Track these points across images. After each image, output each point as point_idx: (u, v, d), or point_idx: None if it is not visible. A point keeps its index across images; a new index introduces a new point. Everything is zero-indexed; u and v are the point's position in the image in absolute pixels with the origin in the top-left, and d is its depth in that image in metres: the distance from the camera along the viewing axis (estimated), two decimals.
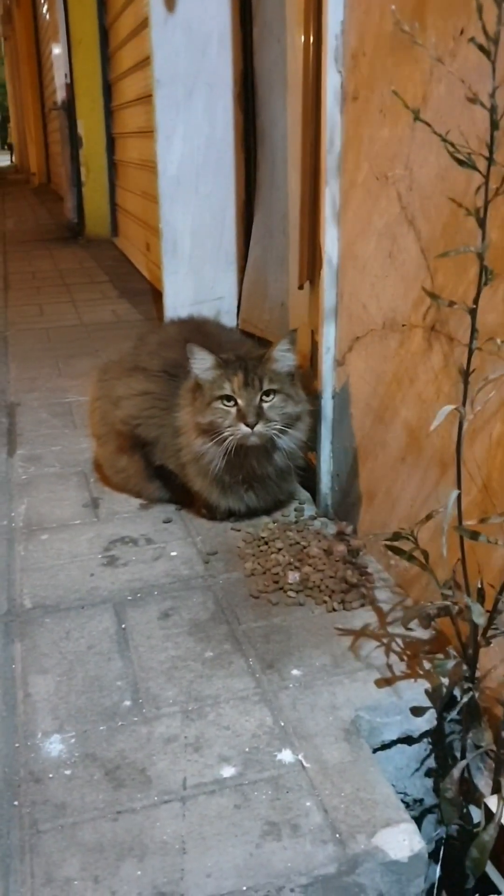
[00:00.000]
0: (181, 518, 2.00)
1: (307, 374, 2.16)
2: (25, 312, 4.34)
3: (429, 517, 1.22)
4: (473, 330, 1.02)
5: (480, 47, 0.89)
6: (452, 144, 0.94)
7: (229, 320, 3.36)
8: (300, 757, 1.24)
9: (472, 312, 1.01)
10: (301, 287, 2.54)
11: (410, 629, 1.49)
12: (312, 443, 1.94)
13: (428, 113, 1.36)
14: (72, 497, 2.12)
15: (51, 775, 1.22)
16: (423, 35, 1.34)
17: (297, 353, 1.84)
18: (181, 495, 2.01)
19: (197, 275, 3.36)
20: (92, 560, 1.81)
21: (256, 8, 2.91)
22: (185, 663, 1.45)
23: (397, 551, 1.26)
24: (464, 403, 1.08)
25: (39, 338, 3.81)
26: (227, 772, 1.21)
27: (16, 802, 1.17)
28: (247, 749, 1.25)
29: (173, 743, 1.27)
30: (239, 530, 1.92)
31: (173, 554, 1.83)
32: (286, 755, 1.24)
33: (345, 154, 1.70)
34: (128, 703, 1.36)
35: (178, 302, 3.37)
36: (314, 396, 1.93)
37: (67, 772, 1.22)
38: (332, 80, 1.69)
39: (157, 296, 4.45)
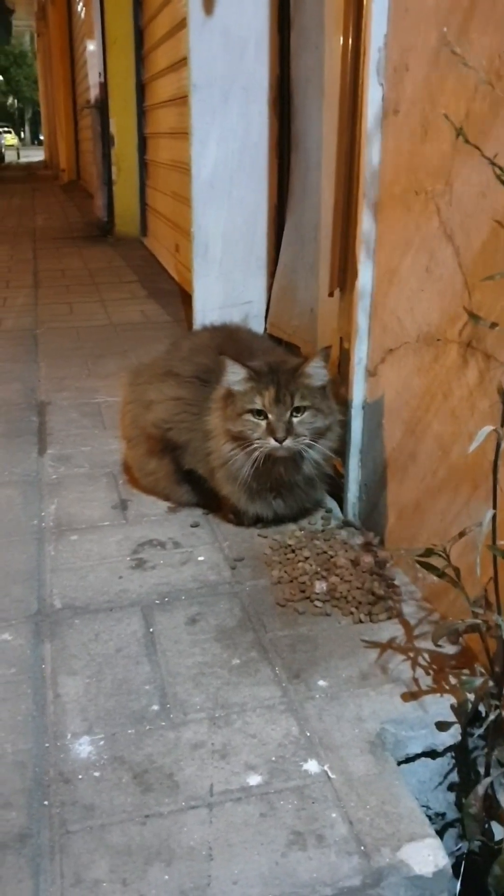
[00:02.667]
0: (208, 522, 2.02)
1: (335, 381, 2.17)
2: (55, 311, 4.38)
3: (462, 534, 1.23)
4: None
5: None
6: (501, 168, 0.94)
7: (257, 324, 3.38)
8: (326, 768, 1.25)
9: None
10: (331, 294, 2.54)
11: (440, 645, 1.49)
12: (341, 452, 1.95)
13: (470, 130, 1.37)
14: (101, 498, 2.14)
15: (80, 776, 1.24)
16: (468, 52, 1.35)
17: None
18: (209, 500, 2.03)
19: (227, 278, 3.38)
20: (120, 562, 1.82)
21: (294, 13, 2.92)
22: (212, 670, 1.47)
23: (429, 567, 1.27)
24: (502, 424, 1.08)
25: (69, 336, 3.84)
26: (254, 780, 1.23)
27: (46, 802, 1.19)
28: (273, 758, 1.27)
29: (200, 749, 1.29)
30: (265, 537, 1.93)
31: (200, 559, 1.84)
32: (312, 765, 1.25)
33: (383, 167, 1.71)
34: (155, 707, 1.38)
35: (208, 305, 3.39)
36: (341, 403, 1.94)
37: (96, 773, 1.24)
38: (373, 93, 1.70)
39: (185, 297, 4.47)
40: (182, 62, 4.46)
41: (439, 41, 1.45)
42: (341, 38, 2.34)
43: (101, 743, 1.30)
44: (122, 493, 2.16)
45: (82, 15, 9.41)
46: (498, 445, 1.10)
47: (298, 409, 1.77)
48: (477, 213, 1.38)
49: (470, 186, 1.39)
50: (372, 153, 1.73)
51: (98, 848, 1.11)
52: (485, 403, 1.40)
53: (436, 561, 1.26)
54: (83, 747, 1.29)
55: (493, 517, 1.14)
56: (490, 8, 1.31)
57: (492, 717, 1.23)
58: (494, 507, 1.15)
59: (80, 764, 1.26)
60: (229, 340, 2.09)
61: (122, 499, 2.13)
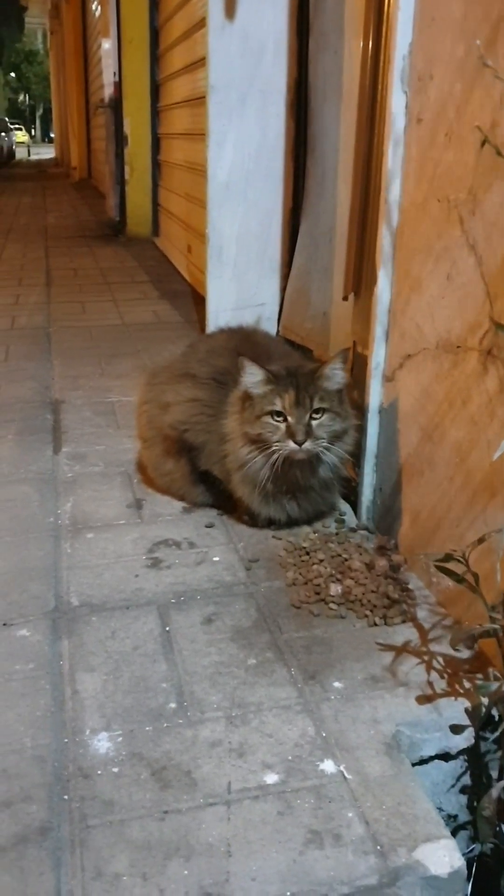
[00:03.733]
0: (223, 523, 2.03)
1: (349, 385, 2.18)
2: (68, 309, 4.40)
3: (481, 541, 1.25)
4: None
5: None
6: None
7: (270, 327, 3.39)
8: (342, 768, 1.26)
9: None
10: (345, 298, 2.56)
11: (457, 650, 1.50)
12: (356, 456, 1.97)
13: (497, 140, 1.38)
14: (116, 497, 2.16)
15: (99, 772, 1.25)
16: (497, 65, 1.37)
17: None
18: (224, 501, 2.04)
19: (240, 280, 3.40)
20: (136, 561, 1.84)
21: (314, 18, 2.94)
22: (229, 669, 1.48)
23: (447, 572, 1.28)
24: None
25: (82, 335, 3.86)
26: (271, 778, 1.24)
27: (66, 797, 1.20)
28: (289, 757, 1.28)
29: (218, 747, 1.30)
30: (280, 539, 1.95)
31: (216, 559, 1.86)
32: (328, 765, 1.27)
33: (405, 174, 1.72)
34: (173, 705, 1.39)
35: (221, 306, 3.40)
36: (354, 407, 1.96)
37: (115, 769, 1.26)
38: (396, 101, 1.72)
39: (197, 298, 4.49)
40: (198, 63, 4.48)
41: (466, 52, 1.46)
42: (361, 43, 2.35)
43: (120, 739, 1.32)
44: (137, 493, 2.18)
45: (97, 13, 9.45)
46: None
47: (317, 412, 1.78)
48: (501, 223, 1.39)
49: (493, 196, 1.41)
50: (394, 160, 1.74)
51: (118, 842, 1.13)
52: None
53: (454, 566, 1.27)
54: (102, 743, 1.31)
55: None
56: None
57: None
58: None
59: (98, 759, 1.28)
60: (246, 343, 2.10)
61: (136, 498, 2.15)
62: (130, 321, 4.18)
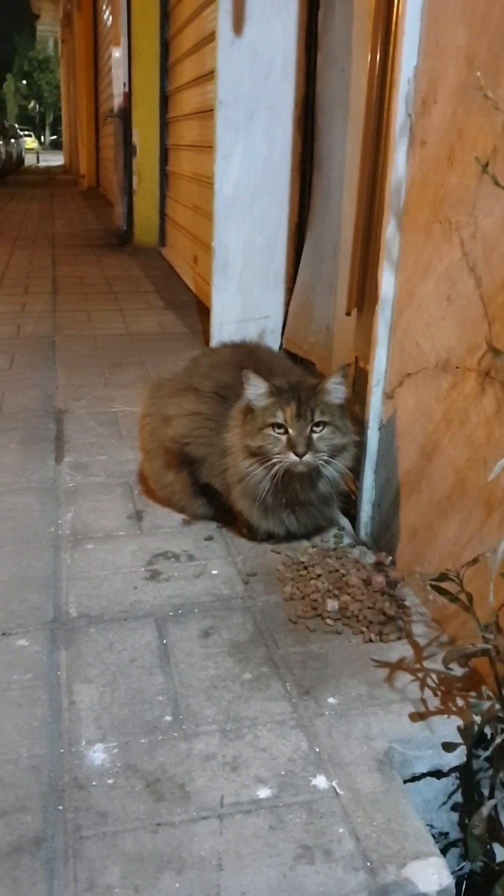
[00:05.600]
0: (222, 536, 2.05)
1: (350, 400, 2.20)
2: (73, 318, 4.42)
3: (475, 561, 1.26)
4: None
5: None
6: None
7: (274, 340, 3.42)
8: (334, 784, 1.27)
9: None
10: (349, 314, 2.58)
11: (449, 668, 1.51)
12: (356, 471, 1.98)
13: (497, 165, 1.40)
14: (116, 508, 2.17)
15: (94, 783, 1.26)
16: (498, 89, 1.39)
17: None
18: (224, 514, 2.06)
19: (245, 293, 3.42)
20: (135, 573, 1.86)
21: (322, 35, 2.96)
22: (225, 683, 1.50)
23: (442, 591, 1.29)
24: None
25: (87, 344, 3.88)
26: (263, 793, 1.25)
27: (60, 807, 1.22)
28: (282, 772, 1.29)
29: (212, 761, 1.31)
30: (279, 552, 1.96)
31: (214, 572, 1.87)
32: (320, 781, 1.28)
33: (409, 196, 1.74)
34: (168, 718, 1.41)
35: (225, 318, 3.43)
36: (356, 422, 1.97)
37: (110, 781, 1.27)
38: (400, 123, 1.74)
39: (202, 309, 4.51)
40: (207, 76, 4.51)
41: (469, 77, 1.49)
42: (368, 62, 2.38)
43: (115, 751, 1.33)
44: (138, 504, 2.20)
45: (109, 23, 9.51)
46: None
47: (318, 425, 1.80)
48: (500, 246, 1.41)
49: (494, 220, 1.43)
50: (399, 182, 1.76)
51: (111, 854, 1.14)
52: (502, 432, 1.43)
53: (449, 585, 1.29)
54: (97, 754, 1.32)
55: None
56: None
57: (498, 740, 1.26)
58: None
59: (94, 771, 1.29)
60: (249, 358, 2.12)
61: (137, 509, 2.17)
62: (135, 331, 4.21)
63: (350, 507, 2.10)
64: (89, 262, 6.40)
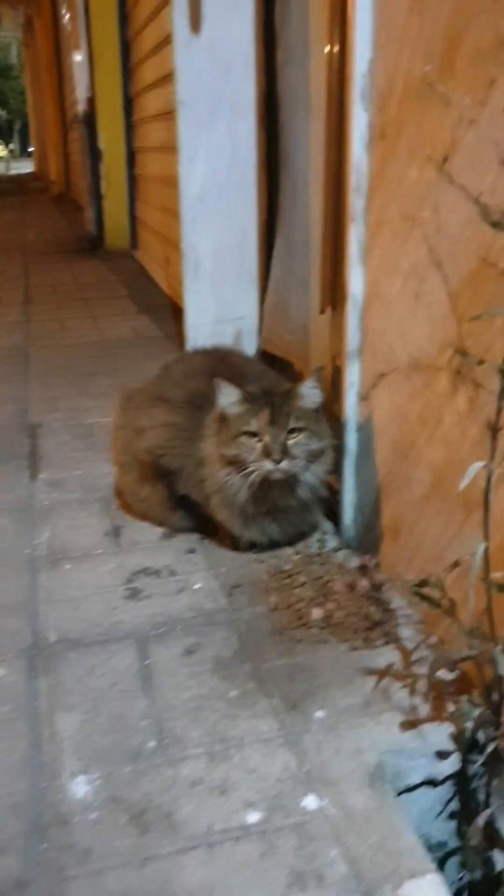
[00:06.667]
0: (204, 548, 2.01)
1: (329, 398, 2.16)
2: (47, 328, 4.37)
3: (455, 564, 1.23)
4: (503, 390, 1.02)
5: None
6: (486, 206, 0.94)
7: (250, 340, 3.38)
8: (325, 803, 1.24)
9: (503, 373, 1.01)
10: (322, 312, 2.55)
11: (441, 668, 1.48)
12: (337, 473, 1.95)
13: (457, 159, 1.37)
14: (94, 525, 2.13)
15: (76, 818, 1.23)
16: (452, 81, 1.35)
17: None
18: (204, 525, 2.02)
19: (218, 294, 3.38)
20: (114, 592, 1.82)
21: (280, 31, 2.92)
22: (209, 703, 1.46)
23: (424, 597, 1.26)
24: (492, 458, 1.08)
25: (60, 355, 3.84)
26: (253, 818, 1.22)
27: (43, 846, 1.18)
28: (272, 794, 1.26)
29: (199, 786, 1.28)
30: (262, 562, 1.93)
31: (196, 587, 1.84)
32: (311, 801, 1.24)
33: (371, 192, 1.71)
34: (152, 743, 1.37)
35: (200, 321, 3.39)
36: (334, 420, 1.94)
37: (93, 815, 1.23)
38: (358, 118, 1.70)
39: (176, 311, 4.47)
40: (169, 77, 4.46)
41: (423, 69, 1.45)
42: (326, 56, 2.34)
43: (98, 782, 1.29)
44: (115, 519, 2.16)
45: (68, 28, 9.43)
46: (488, 480, 1.10)
47: (293, 431, 1.77)
48: (464, 241, 1.38)
49: (457, 214, 1.39)
50: (360, 178, 1.73)
51: (96, 894, 1.10)
52: (475, 431, 1.40)
53: (431, 591, 1.26)
54: (80, 787, 1.28)
55: (486, 550, 1.14)
56: (473, 35, 1.31)
57: (490, 747, 1.23)
58: (486, 539, 1.14)
59: (76, 805, 1.25)
60: (222, 365, 2.09)
61: (115, 525, 2.13)
62: (109, 337, 4.16)
63: (334, 511, 2.06)
64: (62, 269, 6.34)
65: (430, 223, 1.48)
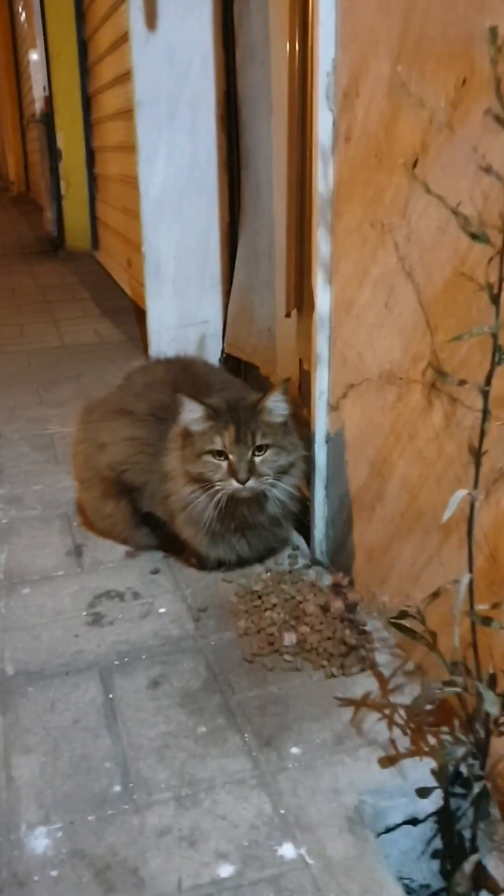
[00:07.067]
0: (169, 567, 1.93)
1: (297, 404, 2.09)
2: (5, 333, 4.25)
3: (436, 594, 1.16)
4: (486, 411, 0.95)
5: (497, 118, 0.82)
6: (465, 217, 0.87)
7: (215, 344, 3.30)
8: (302, 851, 1.16)
9: (485, 394, 0.94)
10: (288, 315, 2.47)
11: (421, 711, 1.41)
12: (307, 485, 1.87)
13: (427, 161, 1.30)
14: (54, 544, 2.04)
15: (35, 878, 1.14)
16: (421, 82, 1.28)
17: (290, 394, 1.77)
18: (169, 543, 1.94)
19: (181, 298, 3.30)
20: (76, 618, 1.73)
21: (238, 30, 2.84)
22: (177, 740, 1.38)
23: (402, 629, 1.19)
24: (475, 486, 1.01)
25: (20, 361, 3.72)
26: (225, 871, 1.14)
27: None
28: (245, 843, 1.18)
29: (167, 836, 1.20)
30: (230, 581, 1.85)
31: (162, 610, 1.75)
32: (287, 850, 1.17)
33: (337, 196, 1.63)
34: (117, 788, 1.29)
35: (163, 325, 3.30)
36: (304, 426, 1.86)
37: (54, 873, 1.15)
38: (322, 119, 1.62)
39: (139, 314, 4.37)
40: (127, 75, 4.35)
41: (391, 69, 1.38)
42: (287, 55, 2.27)
43: (59, 835, 1.21)
44: (77, 538, 2.06)
45: (25, 26, 9.27)
46: (472, 508, 1.02)
47: (260, 448, 1.69)
48: (437, 248, 1.30)
49: (428, 221, 1.32)
50: (323, 181, 1.65)
51: None
52: (451, 447, 1.33)
53: (410, 622, 1.18)
54: (39, 840, 1.20)
55: (471, 582, 1.07)
56: (441, 33, 1.23)
57: (476, 789, 1.16)
58: (471, 570, 1.07)
59: (35, 861, 1.16)
60: (185, 374, 2.00)
61: (76, 544, 2.03)
62: (71, 342, 4.06)
63: (305, 525, 1.99)
64: (22, 271, 6.20)
65: (399, 230, 1.41)
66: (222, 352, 3.27)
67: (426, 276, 1.34)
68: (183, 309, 3.31)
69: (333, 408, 1.79)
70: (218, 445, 1.67)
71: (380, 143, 1.44)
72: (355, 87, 1.51)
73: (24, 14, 9.33)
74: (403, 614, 1.18)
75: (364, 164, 1.51)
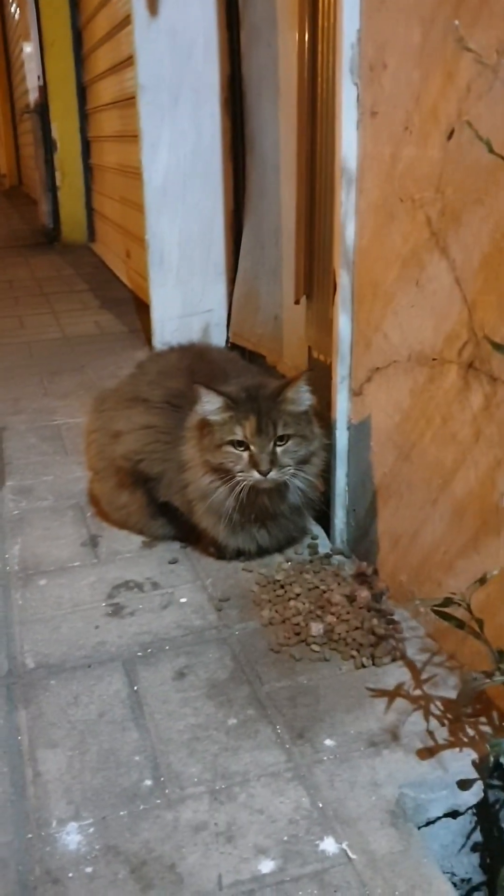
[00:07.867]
0: (188, 557, 1.88)
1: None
2: (5, 325, 4.19)
3: (482, 580, 1.12)
4: None
5: None
6: None
7: (219, 333, 3.25)
8: (345, 846, 1.12)
9: None
10: (297, 302, 2.43)
11: (464, 707, 1.36)
12: (326, 474, 1.83)
13: (464, 134, 1.25)
14: (69, 534, 1.99)
15: (70, 874, 1.10)
16: (469, 43, 1.23)
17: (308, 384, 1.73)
18: (187, 533, 1.89)
19: (185, 287, 3.25)
20: (95, 609, 1.68)
21: (243, 11, 2.79)
22: (207, 733, 1.34)
23: (446, 617, 1.15)
24: None
25: (21, 353, 3.67)
26: (266, 866, 1.10)
27: None
28: (285, 837, 1.14)
29: (203, 831, 1.15)
30: (251, 571, 1.80)
31: (183, 600, 1.71)
32: (329, 844, 1.13)
33: (362, 173, 1.59)
34: (148, 782, 1.24)
35: (167, 315, 3.25)
36: (319, 417, 1.82)
37: (88, 869, 1.10)
38: (347, 93, 1.58)
39: (140, 305, 4.32)
40: (124, 63, 4.30)
41: (423, 36, 1.33)
42: (297, 35, 2.22)
43: (91, 830, 1.16)
44: (92, 528, 2.02)
45: (17, 16, 9.18)
46: None
47: (282, 438, 1.64)
48: (474, 222, 1.26)
49: (465, 193, 1.28)
50: (349, 159, 1.60)
51: None
52: (492, 429, 1.28)
53: (454, 610, 1.14)
54: (71, 836, 1.16)
55: None
56: None
57: None
58: None
59: (69, 858, 1.12)
60: (200, 361, 1.96)
61: (91, 534, 1.99)
62: (72, 334, 4.00)
63: (324, 514, 1.94)
64: (18, 263, 6.13)
65: (432, 204, 1.37)
66: (227, 341, 3.23)
67: (462, 252, 1.30)
68: (187, 298, 3.26)
69: (356, 393, 1.75)
70: (239, 436, 1.62)
71: (410, 114, 1.40)
72: (382, 58, 1.46)
73: (14, 5, 9.25)
74: (448, 602, 1.14)
75: (392, 137, 1.46)
